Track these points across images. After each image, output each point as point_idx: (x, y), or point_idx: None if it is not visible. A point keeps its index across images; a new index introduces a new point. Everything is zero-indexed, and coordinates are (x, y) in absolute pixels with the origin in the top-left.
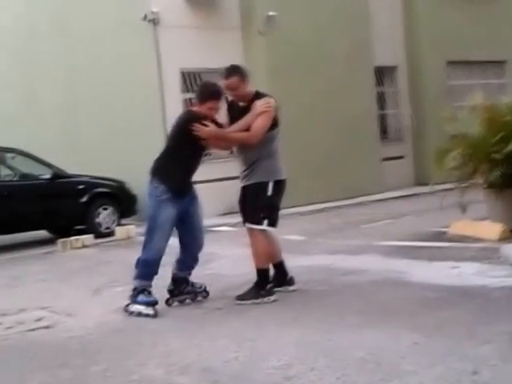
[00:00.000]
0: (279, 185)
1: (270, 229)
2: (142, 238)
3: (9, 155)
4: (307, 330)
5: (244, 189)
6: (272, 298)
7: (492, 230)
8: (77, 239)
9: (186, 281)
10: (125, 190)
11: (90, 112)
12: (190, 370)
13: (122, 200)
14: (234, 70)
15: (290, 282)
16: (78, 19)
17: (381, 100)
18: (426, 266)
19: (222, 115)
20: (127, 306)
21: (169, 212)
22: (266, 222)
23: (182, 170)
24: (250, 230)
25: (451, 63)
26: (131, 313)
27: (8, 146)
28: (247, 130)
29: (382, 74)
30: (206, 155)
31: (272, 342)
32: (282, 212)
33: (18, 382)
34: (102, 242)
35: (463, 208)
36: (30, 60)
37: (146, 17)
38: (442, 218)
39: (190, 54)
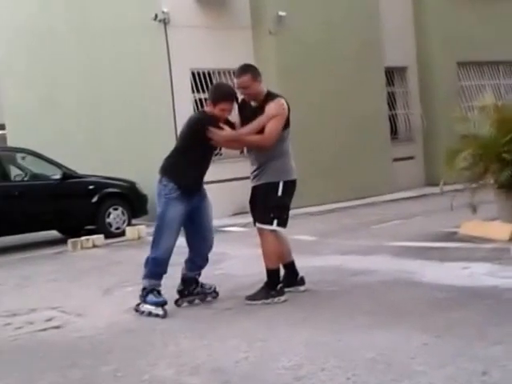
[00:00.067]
0: (290, 185)
1: (280, 229)
2: (151, 242)
3: (19, 155)
4: (317, 330)
5: (254, 189)
6: (282, 298)
7: (502, 230)
8: (87, 239)
9: (195, 281)
10: (135, 190)
11: (106, 112)
12: (201, 370)
13: (132, 200)
14: (246, 69)
15: (300, 282)
16: (93, 19)
17: (391, 100)
18: (437, 267)
19: (234, 115)
20: (137, 305)
21: (178, 210)
22: (276, 222)
23: (193, 169)
24: (261, 230)
25: (462, 63)
26: (142, 312)
27: (25, 146)
28: (260, 131)
29: (393, 75)
30: (216, 155)
31: (282, 342)
32: (292, 212)
33: (27, 382)
34: (113, 242)
35: (474, 208)
36: (47, 60)
37: (156, 17)
38: (453, 218)
39: (200, 54)
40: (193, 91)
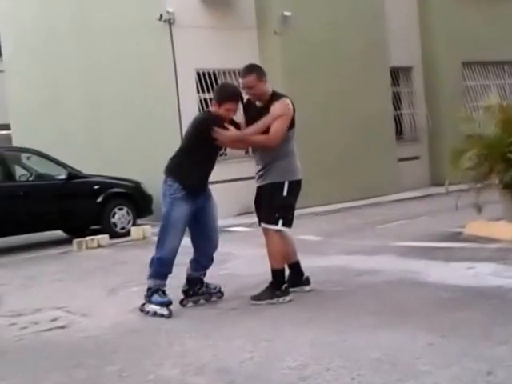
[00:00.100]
0: (295, 185)
1: (286, 229)
2: (156, 242)
3: (24, 155)
4: (322, 330)
5: (259, 189)
6: (287, 298)
7: (508, 230)
8: (92, 239)
9: (200, 281)
10: (140, 190)
11: (108, 112)
12: (206, 370)
13: (137, 200)
14: (251, 69)
15: (305, 282)
16: (96, 20)
17: (396, 100)
18: (442, 267)
19: (239, 115)
20: (143, 305)
21: (183, 210)
22: (281, 222)
23: (197, 169)
24: (266, 230)
25: (467, 63)
26: (147, 312)
27: (29, 146)
28: (265, 131)
29: (398, 75)
30: (221, 155)
31: (287, 342)
32: (297, 212)
33: (32, 382)
34: (118, 242)
35: (479, 208)
36: (49, 60)
37: (161, 17)
38: (458, 218)
39: (205, 54)
40: (198, 91)
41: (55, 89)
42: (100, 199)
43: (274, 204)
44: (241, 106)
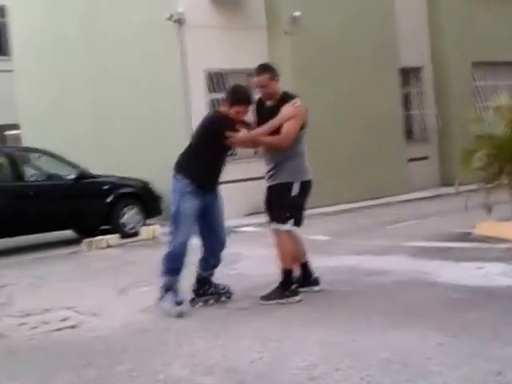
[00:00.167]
0: (305, 185)
1: (295, 229)
2: (167, 238)
3: (34, 155)
4: (332, 330)
5: (269, 189)
6: (297, 298)
7: None
8: (102, 239)
9: (209, 281)
10: (149, 190)
11: (117, 112)
12: (215, 370)
13: (146, 200)
14: (265, 68)
15: (314, 282)
16: (105, 20)
17: (406, 101)
18: (452, 267)
19: (249, 114)
20: (159, 299)
21: (192, 204)
22: (291, 222)
23: (206, 167)
24: (275, 230)
25: (477, 64)
26: (161, 307)
27: (38, 146)
28: (274, 132)
29: (408, 75)
30: (230, 155)
31: (297, 342)
32: (307, 212)
33: (42, 382)
34: (127, 242)
35: (488, 208)
36: (58, 60)
37: (171, 17)
38: (468, 218)
39: (215, 54)
40: (208, 92)
41: (63, 89)
42: (110, 199)
43: (284, 204)
44: (252, 107)
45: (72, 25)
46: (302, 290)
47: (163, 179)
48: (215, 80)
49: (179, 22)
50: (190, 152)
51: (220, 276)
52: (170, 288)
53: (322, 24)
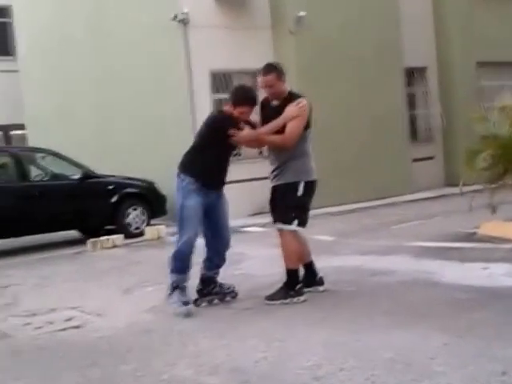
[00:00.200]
0: (310, 185)
1: (300, 229)
2: (172, 238)
3: (39, 155)
4: (336, 330)
5: (274, 189)
6: (301, 298)
7: None
8: (107, 239)
9: (213, 281)
10: (154, 191)
11: (122, 112)
12: (220, 370)
13: (151, 200)
14: (271, 68)
15: (319, 282)
16: (111, 20)
17: (411, 101)
18: (456, 267)
19: (254, 114)
20: (168, 295)
21: (196, 202)
22: (296, 222)
23: (210, 166)
24: (280, 230)
25: (481, 64)
26: (171, 304)
27: (44, 146)
28: (279, 131)
29: (413, 75)
30: (235, 155)
31: (301, 342)
32: (312, 212)
33: (47, 382)
34: (132, 243)
35: (493, 209)
36: (63, 61)
37: (176, 17)
38: (472, 218)
39: (219, 54)
40: (212, 92)
41: (69, 89)
42: (114, 199)
43: (289, 204)
44: (257, 106)
45: (78, 25)
46: (306, 289)
47: (168, 179)
48: (220, 80)
49: (184, 22)
50: (193, 151)
51: (225, 276)
52: (177, 286)
53: (326, 24)
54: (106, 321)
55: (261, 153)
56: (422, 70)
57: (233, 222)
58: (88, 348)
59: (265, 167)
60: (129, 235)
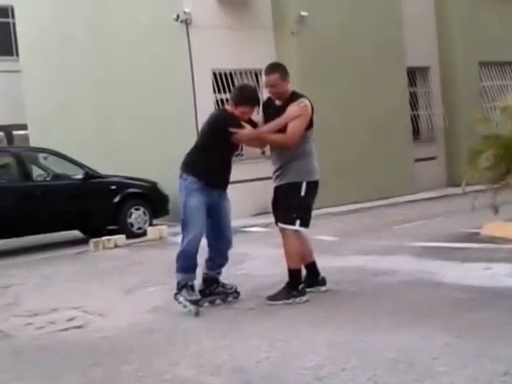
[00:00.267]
0: (312, 185)
1: (303, 229)
2: (174, 239)
3: (41, 155)
4: (339, 330)
5: (277, 189)
6: (304, 298)
7: None
8: (109, 239)
9: (216, 281)
10: (156, 191)
11: (124, 112)
12: (222, 370)
13: (153, 200)
14: (276, 68)
15: (321, 282)
16: (113, 20)
17: (413, 100)
18: (458, 267)
19: (257, 113)
20: (176, 294)
21: (199, 200)
22: (298, 222)
23: (213, 165)
24: (283, 231)
25: (484, 64)
26: (179, 302)
27: (46, 146)
28: (280, 130)
29: (415, 75)
30: (237, 155)
31: (304, 342)
32: (314, 212)
33: (49, 382)
34: (134, 243)
35: (495, 209)
36: (64, 61)
37: (178, 17)
38: (474, 219)
39: (221, 54)
40: (214, 92)
41: (71, 89)
42: (117, 199)
43: (292, 204)
44: (260, 106)
45: (79, 25)
46: (308, 290)
47: (170, 179)
48: (222, 80)
49: (186, 22)
50: (195, 151)
51: (227, 276)
52: (184, 285)
53: (328, 24)
54: (107, 321)
55: (263, 153)
56: (424, 70)
57: (235, 222)
58: (90, 348)
59: (267, 167)
60: (131, 235)
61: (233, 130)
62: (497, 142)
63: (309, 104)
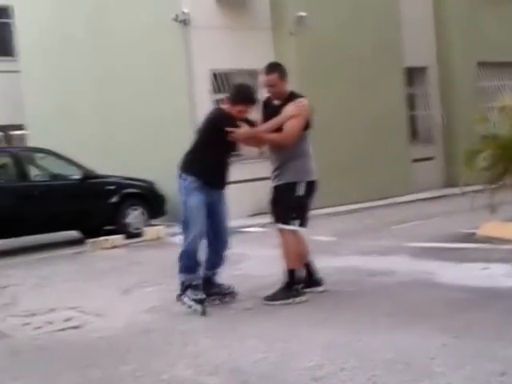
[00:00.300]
0: (310, 185)
1: (301, 229)
2: (172, 239)
3: (39, 155)
4: (338, 330)
5: (275, 189)
6: (303, 298)
7: None
8: (106, 239)
9: (213, 281)
10: (154, 191)
11: (123, 112)
12: (220, 370)
13: (151, 200)
14: (274, 67)
15: (318, 282)
16: (112, 20)
17: (411, 101)
18: (456, 267)
19: (255, 113)
20: (179, 295)
21: (199, 199)
22: (296, 222)
23: (211, 165)
24: (281, 231)
25: (482, 64)
26: (184, 304)
27: (45, 146)
28: (277, 130)
29: (413, 75)
30: (236, 155)
31: (302, 342)
32: (312, 212)
33: (46, 382)
34: (132, 243)
35: (493, 209)
36: (64, 61)
37: (177, 17)
38: (472, 219)
39: (220, 55)
40: (213, 92)
41: (70, 89)
42: (114, 199)
43: (290, 204)
44: (258, 106)
45: (79, 25)
46: (305, 290)
47: (168, 179)
48: (220, 80)
49: (185, 22)
50: (194, 150)
51: (224, 276)
52: (189, 286)
53: (326, 24)
54: (105, 321)
55: (261, 153)
56: (422, 71)
57: (233, 223)
58: (87, 348)
59: (265, 167)
60: (129, 235)
61: (229, 129)
62: (494, 142)
63: (306, 104)
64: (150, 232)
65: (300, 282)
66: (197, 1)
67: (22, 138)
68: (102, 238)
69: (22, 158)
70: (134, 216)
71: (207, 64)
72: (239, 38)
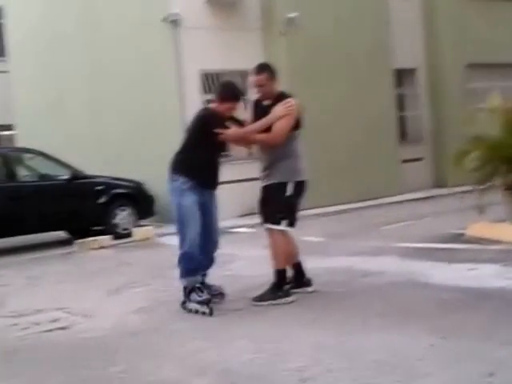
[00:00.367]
0: (299, 185)
1: (289, 229)
2: (161, 240)
3: (27, 156)
4: (326, 331)
5: (264, 189)
6: (290, 299)
7: (510, 231)
8: (95, 240)
9: (202, 282)
10: (143, 191)
11: (112, 113)
12: (208, 371)
13: (139, 201)
14: (264, 68)
15: (307, 283)
16: (101, 20)
17: (400, 102)
18: (444, 268)
19: (247, 113)
20: (184, 303)
21: (191, 199)
22: (284, 222)
23: (200, 165)
24: (269, 231)
25: (471, 65)
26: (189, 310)
27: (34, 146)
28: (266, 130)
29: (402, 76)
30: (226, 156)
31: (291, 343)
32: (302, 213)
33: (34, 383)
34: (121, 243)
35: (481, 210)
36: (54, 61)
37: (167, 17)
38: (461, 219)
39: (210, 55)
40: (202, 92)
41: (60, 90)
42: (103, 200)
43: (278, 204)
44: (243, 105)
45: (68, 26)
46: (295, 291)
47: (158, 178)
48: (210, 80)
49: (175, 22)
50: (183, 150)
51: (214, 277)
52: (192, 289)
53: (316, 25)
54: (93, 322)
55: (251, 154)
56: (411, 72)
57: (222, 223)
58: (75, 349)
59: (254, 168)
60: (117, 236)
61: (218, 130)
62: (483, 143)
63: (295, 104)
64: (139, 232)
65: (288, 282)
66: (187, 1)
67: (10, 138)
68: (90, 239)
69: (11, 158)
70: (122, 216)
71: (197, 64)
72: (229, 38)
